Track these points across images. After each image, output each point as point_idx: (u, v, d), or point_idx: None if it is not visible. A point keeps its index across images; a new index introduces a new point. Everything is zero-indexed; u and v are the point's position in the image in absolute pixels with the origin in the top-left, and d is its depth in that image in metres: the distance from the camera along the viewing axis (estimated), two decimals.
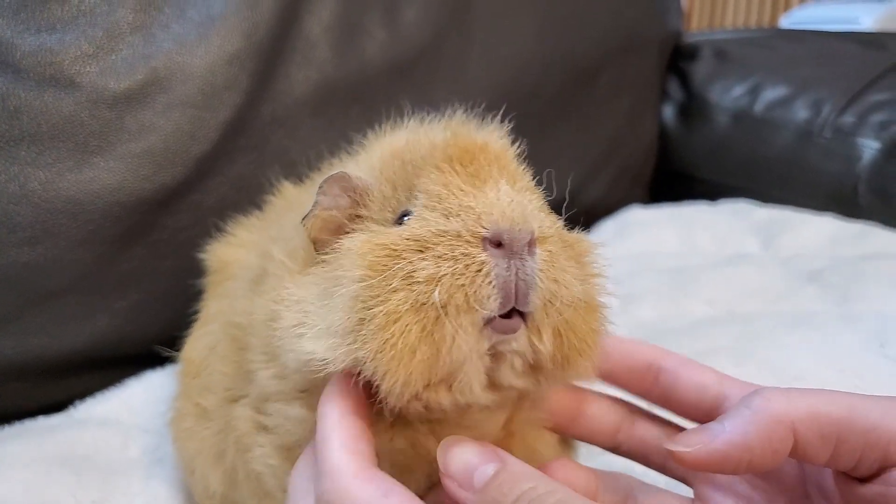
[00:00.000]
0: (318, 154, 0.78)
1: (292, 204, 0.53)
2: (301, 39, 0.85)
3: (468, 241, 0.34)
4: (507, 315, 0.35)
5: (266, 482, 0.45)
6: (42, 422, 0.70)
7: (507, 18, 1.02)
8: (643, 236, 1.01)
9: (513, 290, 0.34)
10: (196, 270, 0.65)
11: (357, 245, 0.36)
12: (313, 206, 0.39)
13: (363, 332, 0.33)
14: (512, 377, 0.37)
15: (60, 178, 0.70)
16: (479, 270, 0.34)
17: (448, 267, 0.34)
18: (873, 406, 0.35)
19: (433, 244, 0.34)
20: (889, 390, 0.36)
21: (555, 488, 0.32)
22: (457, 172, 0.37)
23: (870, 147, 1.11)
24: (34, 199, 0.69)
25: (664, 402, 0.44)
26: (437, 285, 0.33)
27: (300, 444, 0.42)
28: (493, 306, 0.34)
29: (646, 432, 0.44)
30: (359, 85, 0.88)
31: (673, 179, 1.32)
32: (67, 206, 0.71)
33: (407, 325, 0.33)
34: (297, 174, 0.67)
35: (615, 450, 0.46)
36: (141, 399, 0.72)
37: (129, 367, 0.77)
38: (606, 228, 1.09)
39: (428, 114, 0.45)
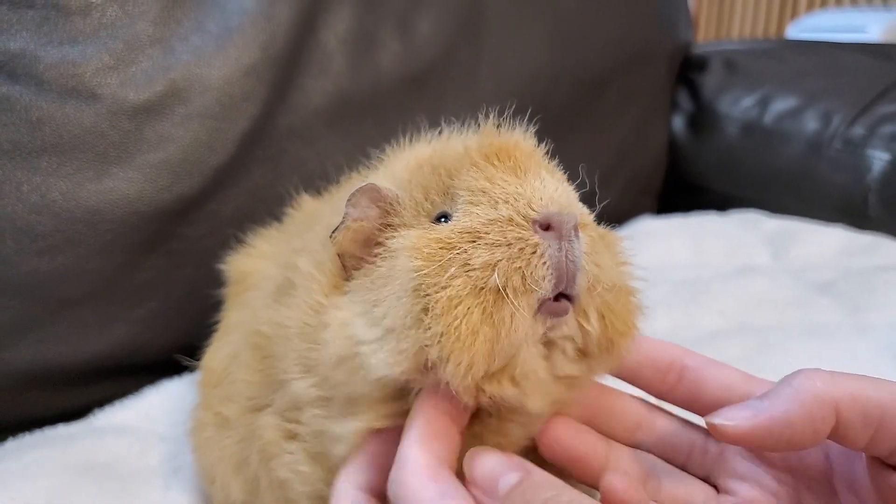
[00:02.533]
0: (333, 165, 0.79)
1: (314, 216, 0.54)
2: (317, 51, 0.86)
3: (520, 225, 0.35)
4: (555, 300, 0.36)
5: (293, 489, 0.45)
6: (62, 430, 0.71)
7: (517, 30, 1.03)
8: (653, 247, 1.02)
9: (564, 271, 0.35)
10: (213, 280, 0.66)
11: (410, 241, 0.37)
12: (343, 218, 0.40)
13: (426, 320, 0.34)
14: (566, 364, 0.38)
15: (81, 188, 0.71)
16: (534, 252, 0.35)
17: (502, 252, 0.35)
18: None
19: (485, 232, 0.36)
20: None
21: (578, 497, 0.32)
22: (496, 167, 0.39)
23: (879, 158, 1.12)
24: (55, 209, 0.70)
25: (688, 402, 0.44)
26: (494, 270, 0.34)
27: (337, 453, 0.42)
28: (548, 287, 0.35)
29: (666, 430, 0.44)
30: (373, 96, 0.89)
31: (683, 190, 1.33)
32: (87, 216, 0.72)
33: (469, 308, 0.34)
34: (313, 185, 0.68)
35: (636, 447, 0.45)
36: (159, 407, 0.73)
37: (146, 376, 0.78)
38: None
39: (442, 126, 0.46)
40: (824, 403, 0.35)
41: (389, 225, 0.40)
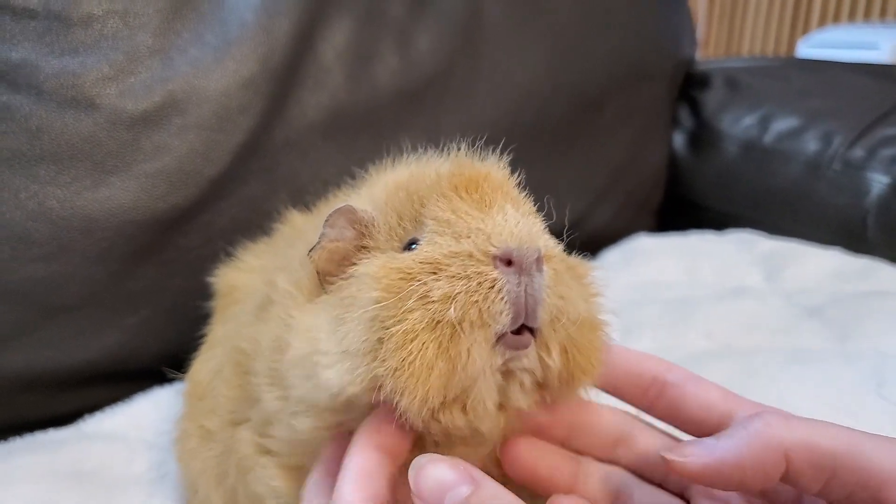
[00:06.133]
0: (328, 179, 0.80)
1: (299, 233, 0.55)
2: (315, 65, 0.87)
3: (480, 261, 0.36)
4: (518, 332, 0.36)
5: (267, 503, 0.46)
6: (52, 435, 0.72)
7: (516, 46, 1.03)
8: (646, 266, 1.02)
9: (523, 306, 0.36)
10: (205, 291, 0.67)
11: (372, 270, 0.37)
12: (320, 238, 0.41)
13: (381, 351, 0.35)
14: (521, 397, 0.38)
15: (77, 196, 0.72)
16: (492, 287, 0.35)
17: (462, 285, 0.35)
18: (872, 445, 0.35)
19: (446, 265, 0.36)
20: (884, 431, 0.35)
21: None
22: (463, 199, 0.39)
23: (879, 181, 1.11)
24: (51, 217, 0.72)
25: (669, 418, 0.44)
26: (452, 303, 0.35)
27: (305, 463, 0.43)
28: (505, 321, 0.35)
29: (646, 447, 0.44)
30: (369, 111, 0.90)
31: (682, 207, 1.33)
32: (83, 224, 0.73)
33: (424, 343, 0.34)
34: (307, 198, 0.69)
35: (614, 463, 0.45)
36: (148, 415, 0.74)
37: (137, 383, 0.79)
38: (611, 257, 1.10)
39: (433, 145, 0.47)
40: (775, 449, 0.35)
41: (364, 247, 0.41)
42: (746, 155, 1.25)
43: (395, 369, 0.34)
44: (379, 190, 0.44)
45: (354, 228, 0.41)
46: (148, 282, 0.78)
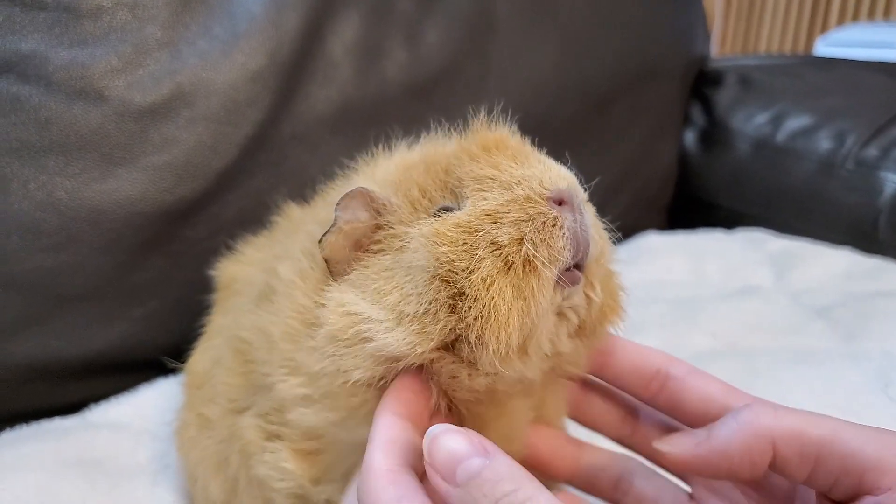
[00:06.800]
0: (335, 173, 0.79)
1: (297, 224, 0.55)
2: (323, 59, 0.87)
3: (538, 202, 0.37)
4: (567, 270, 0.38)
5: (271, 486, 0.47)
6: (58, 423, 0.73)
7: (526, 42, 1.03)
8: (654, 264, 1.01)
9: (580, 241, 0.37)
10: (211, 284, 0.67)
11: (430, 229, 0.38)
12: (334, 221, 0.41)
13: (460, 304, 0.36)
14: (565, 340, 0.40)
15: (86, 187, 0.73)
16: (555, 224, 0.37)
17: (528, 227, 0.37)
18: (856, 433, 0.36)
19: (504, 213, 0.37)
20: None
21: (535, 495, 0.31)
22: (497, 156, 0.40)
23: (892, 181, 1.10)
24: (60, 207, 0.72)
25: (669, 410, 0.45)
26: (522, 245, 0.36)
27: (318, 447, 0.44)
28: (567, 256, 0.37)
29: (649, 428, 0.45)
30: (377, 105, 0.90)
31: (693, 206, 1.32)
32: (91, 215, 0.73)
33: (501, 288, 0.36)
34: (311, 192, 0.69)
35: (620, 441, 0.47)
36: (152, 405, 0.75)
37: (142, 373, 0.80)
38: (619, 255, 1.09)
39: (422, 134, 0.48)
40: (762, 438, 0.36)
41: (380, 226, 0.41)
42: (758, 153, 1.24)
43: (478, 317, 0.35)
44: (384, 173, 0.44)
45: (369, 210, 0.41)
46: (155, 273, 0.78)
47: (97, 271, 0.75)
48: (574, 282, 0.38)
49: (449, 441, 0.33)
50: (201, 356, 0.57)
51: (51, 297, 0.74)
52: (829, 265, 0.97)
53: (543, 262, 0.36)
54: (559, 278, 0.37)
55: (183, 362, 0.60)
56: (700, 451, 0.38)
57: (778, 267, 0.99)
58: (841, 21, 3.14)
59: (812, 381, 0.67)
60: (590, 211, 0.40)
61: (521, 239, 0.36)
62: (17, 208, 0.71)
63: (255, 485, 0.49)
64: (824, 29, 3.17)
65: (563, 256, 0.37)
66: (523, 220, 0.37)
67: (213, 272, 0.64)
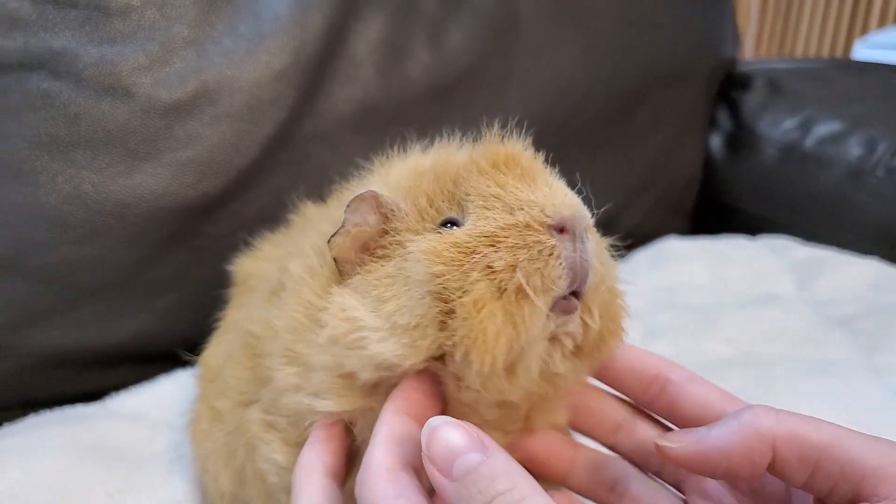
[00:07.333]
0: (356, 173, 0.80)
1: (311, 222, 0.56)
2: (347, 59, 0.88)
3: (537, 230, 0.37)
4: (564, 298, 0.38)
5: (268, 479, 0.47)
6: (80, 409, 0.75)
7: (551, 44, 1.03)
8: (674, 269, 1.00)
9: (578, 271, 0.38)
10: (229, 278, 0.69)
11: (428, 246, 0.38)
12: (343, 223, 0.41)
13: (450, 322, 0.36)
14: (560, 362, 0.40)
15: (111, 181, 0.75)
16: (551, 254, 0.37)
17: (524, 254, 0.37)
18: (857, 440, 0.36)
19: (503, 237, 0.37)
20: None
21: (530, 495, 0.31)
22: (505, 174, 0.40)
23: None
24: (86, 201, 0.74)
25: (667, 415, 0.45)
26: (516, 272, 0.36)
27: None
28: (563, 286, 0.37)
29: (645, 435, 0.45)
30: (400, 105, 0.90)
31: (717, 210, 1.30)
32: (116, 209, 0.75)
33: (492, 311, 0.36)
34: (329, 191, 0.70)
35: (614, 448, 0.47)
36: (170, 396, 0.76)
37: (162, 364, 0.81)
38: (639, 259, 1.08)
39: (436, 138, 0.48)
40: (763, 439, 0.36)
41: (387, 231, 0.42)
42: (785, 159, 1.22)
43: (466, 337, 0.36)
44: (397, 177, 0.45)
45: (378, 214, 0.42)
46: (177, 267, 0.80)
47: (120, 264, 0.77)
48: (569, 311, 0.38)
49: (448, 434, 0.33)
50: (215, 350, 0.58)
51: (75, 289, 0.76)
52: (854, 275, 0.95)
53: (535, 292, 0.36)
54: (554, 306, 0.38)
55: (198, 355, 0.62)
56: (700, 447, 0.37)
57: (801, 275, 0.98)
58: (882, 23, 3.06)
59: (829, 393, 0.66)
60: (593, 237, 0.40)
61: (515, 266, 0.37)
62: (45, 201, 0.73)
63: (259, 478, 0.49)
64: (864, 31, 3.09)
65: (557, 286, 0.37)
66: (519, 248, 0.37)
67: (230, 268, 0.65)
